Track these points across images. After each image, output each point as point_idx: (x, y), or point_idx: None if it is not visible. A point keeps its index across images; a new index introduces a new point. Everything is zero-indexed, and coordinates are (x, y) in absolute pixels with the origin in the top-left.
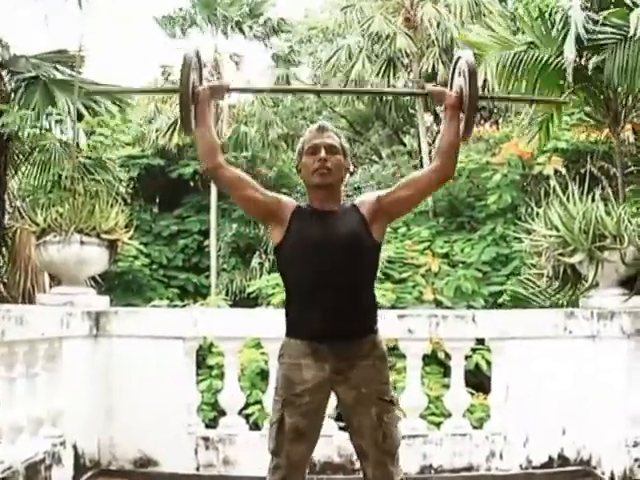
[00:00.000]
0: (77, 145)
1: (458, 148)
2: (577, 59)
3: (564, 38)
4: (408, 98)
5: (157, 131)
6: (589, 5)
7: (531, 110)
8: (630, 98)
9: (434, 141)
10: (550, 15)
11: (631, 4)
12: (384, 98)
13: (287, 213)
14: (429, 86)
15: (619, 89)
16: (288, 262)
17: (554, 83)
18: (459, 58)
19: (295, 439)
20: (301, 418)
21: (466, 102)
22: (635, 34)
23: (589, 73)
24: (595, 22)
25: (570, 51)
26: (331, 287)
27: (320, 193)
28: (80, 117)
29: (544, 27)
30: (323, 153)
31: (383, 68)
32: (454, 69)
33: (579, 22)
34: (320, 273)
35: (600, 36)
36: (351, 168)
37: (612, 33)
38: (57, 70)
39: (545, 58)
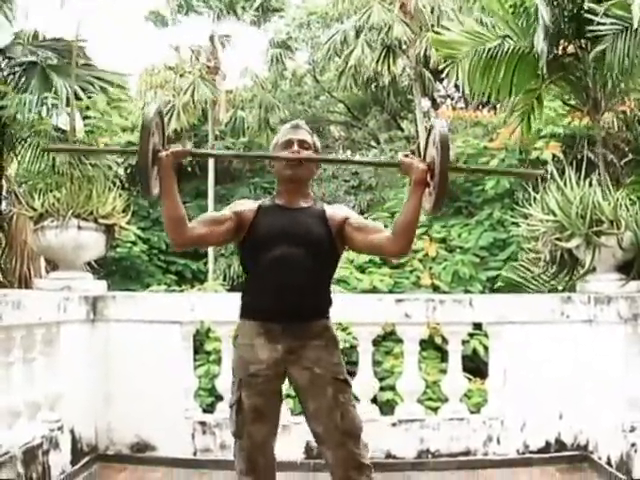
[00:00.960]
0: (73, 129)
1: (415, 227)
2: (554, 49)
3: (534, 30)
4: (406, 83)
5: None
6: None
7: (511, 101)
8: (609, 84)
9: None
10: (522, 8)
11: None
12: (381, 82)
13: (249, 216)
14: (400, 156)
15: (606, 77)
16: (249, 251)
17: (531, 73)
18: (432, 127)
19: (255, 419)
20: (258, 397)
21: (437, 176)
22: (638, 26)
23: (565, 61)
24: (595, 13)
25: (540, 44)
26: (288, 271)
27: (290, 186)
28: (78, 99)
29: (518, 20)
30: (296, 147)
31: (382, 55)
32: (427, 139)
33: (545, 14)
34: (277, 258)
35: (601, 27)
36: (320, 166)
37: (612, 24)
38: (54, 56)
39: (521, 50)
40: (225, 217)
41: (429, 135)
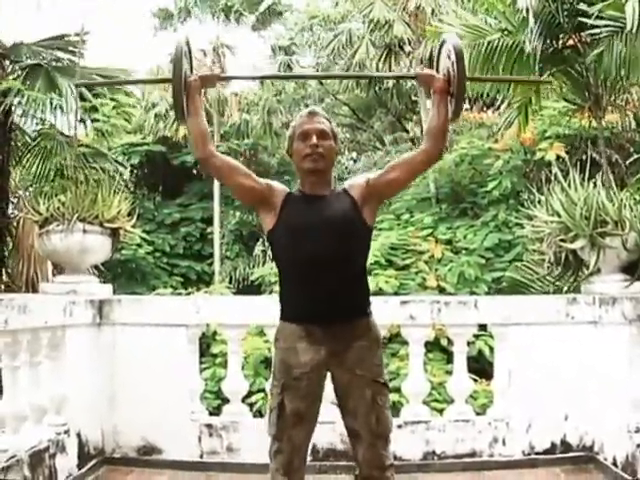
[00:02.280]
0: (77, 136)
1: (446, 130)
2: (553, 43)
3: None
4: (410, 85)
5: (157, 117)
6: None
7: (509, 94)
8: (610, 80)
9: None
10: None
11: None
12: (386, 85)
13: (278, 199)
14: (418, 70)
15: (605, 76)
16: (280, 247)
17: (530, 68)
18: (444, 42)
19: (296, 423)
20: (301, 402)
21: (454, 84)
22: (632, 27)
23: (565, 56)
24: (589, 15)
25: (530, 40)
26: (323, 270)
27: (312, 178)
28: (83, 101)
29: (515, 14)
30: (314, 139)
31: (384, 54)
32: (439, 53)
33: (531, 9)
34: (312, 256)
35: (596, 30)
36: (340, 150)
37: (606, 26)
38: (58, 57)
39: (520, 44)
40: (255, 178)
41: (440, 49)
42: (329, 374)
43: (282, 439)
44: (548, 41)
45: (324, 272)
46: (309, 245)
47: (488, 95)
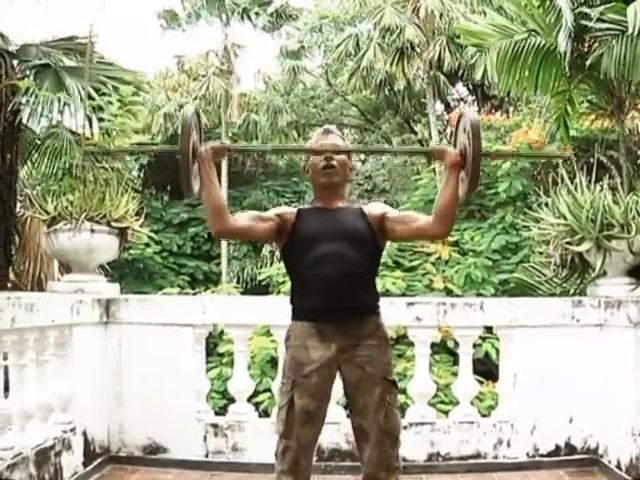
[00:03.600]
0: (86, 135)
1: (455, 209)
2: (579, 47)
3: (560, 28)
4: (419, 87)
5: (166, 118)
6: (583, 0)
7: (544, 102)
8: (633, 85)
9: (445, 129)
10: (550, 4)
11: None
12: (395, 86)
13: (290, 221)
14: (432, 144)
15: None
16: (293, 253)
17: (556, 71)
18: (462, 115)
19: (305, 421)
20: (311, 400)
21: (470, 159)
22: (634, 30)
23: (591, 61)
24: (590, 18)
25: (563, 43)
26: (333, 269)
27: (326, 192)
28: (91, 99)
29: (545, 15)
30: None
31: (396, 58)
32: (457, 127)
33: (568, 14)
34: (322, 256)
35: (598, 33)
36: (354, 167)
37: (608, 29)
38: (67, 57)
39: (546, 46)
40: (268, 216)
41: (458, 123)
42: (338, 374)
43: (290, 437)
44: (575, 44)
45: (334, 271)
46: (321, 244)
47: (508, 96)
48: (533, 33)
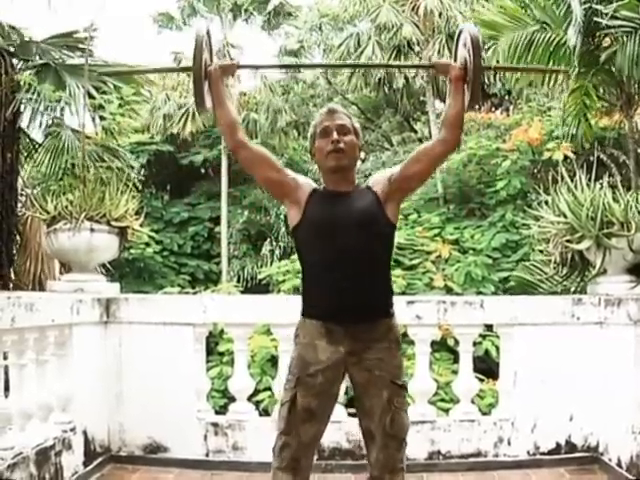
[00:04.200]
0: (87, 136)
1: (463, 118)
2: (590, 42)
3: (570, 21)
4: (419, 85)
5: (165, 117)
6: None
7: (561, 101)
8: None
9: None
10: None
11: None
12: (395, 85)
13: (303, 194)
14: (435, 59)
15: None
16: (304, 243)
17: (566, 65)
18: (462, 30)
19: (306, 419)
20: (313, 399)
21: (471, 72)
22: None
23: (601, 56)
24: (601, 15)
25: (573, 38)
26: (346, 268)
27: (335, 176)
28: (91, 98)
29: (555, 8)
30: (335, 135)
31: (393, 56)
32: (457, 41)
33: (578, 8)
34: (335, 254)
35: (610, 30)
36: (363, 146)
37: (621, 26)
38: (66, 54)
39: (557, 40)
40: (285, 172)
41: (458, 38)
42: (347, 376)
43: (290, 433)
44: (586, 39)
45: (347, 269)
46: (333, 242)
47: (509, 95)
48: (544, 26)
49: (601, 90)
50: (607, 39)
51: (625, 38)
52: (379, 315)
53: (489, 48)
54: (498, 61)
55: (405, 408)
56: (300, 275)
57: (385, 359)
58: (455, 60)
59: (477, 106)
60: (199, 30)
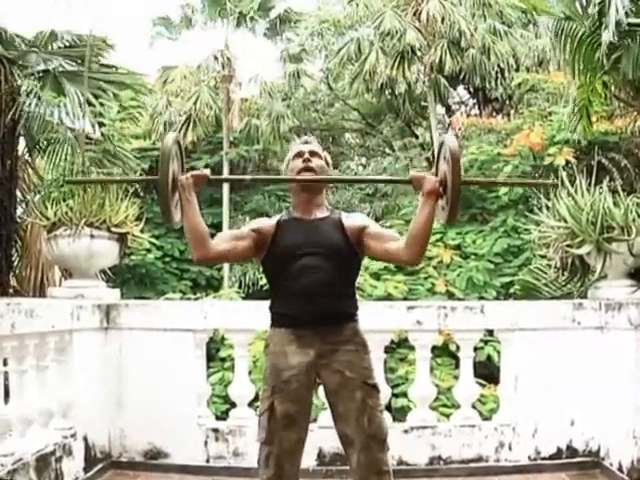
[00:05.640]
0: (87, 137)
1: (427, 237)
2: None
3: (599, 16)
4: (420, 90)
5: (166, 124)
6: None
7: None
8: None
9: (446, 132)
10: None
11: None
12: (396, 90)
13: (269, 235)
14: (412, 172)
15: None
16: (272, 265)
17: (589, 59)
18: (443, 143)
19: (287, 426)
20: (292, 405)
21: (450, 189)
22: None
23: (612, 60)
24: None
25: (607, 34)
26: (312, 278)
27: (304, 196)
28: (90, 105)
29: (579, 3)
30: (307, 155)
31: (397, 62)
32: (439, 154)
33: (620, 6)
34: (301, 269)
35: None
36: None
37: (627, 31)
38: (67, 63)
39: (580, 33)
40: (245, 234)
41: (440, 150)
42: (319, 379)
43: (273, 442)
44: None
45: (315, 280)
46: (300, 257)
47: (514, 106)
48: (568, 19)
49: (615, 90)
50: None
51: (630, 41)
52: (345, 319)
53: (495, 33)
54: (498, 55)
55: (380, 409)
56: (270, 292)
57: (354, 361)
58: (436, 174)
59: (453, 222)
60: (167, 140)
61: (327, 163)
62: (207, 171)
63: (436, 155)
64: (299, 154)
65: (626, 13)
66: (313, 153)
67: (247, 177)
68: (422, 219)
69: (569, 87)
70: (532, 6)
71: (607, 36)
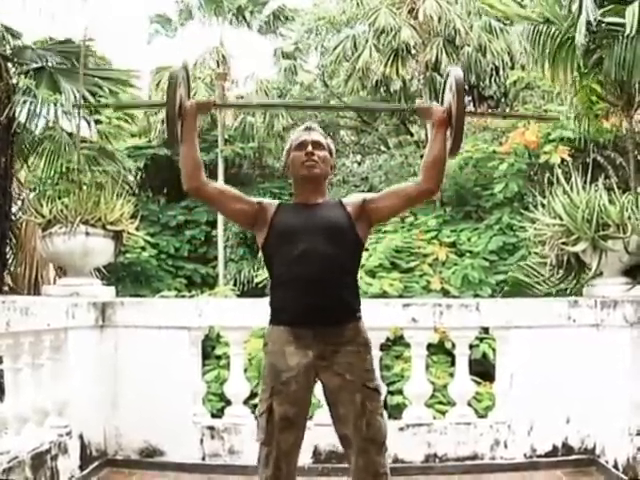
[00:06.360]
0: (83, 140)
1: (444, 164)
2: (591, 41)
3: (573, 20)
4: (416, 88)
5: (162, 122)
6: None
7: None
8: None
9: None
10: None
11: None
12: (392, 87)
13: (269, 213)
14: (417, 103)
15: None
16: (272, 254)
17: (570, 62)
18: (448, 74)
19: (285, 427)
20: (290, 407)
21: (454, 118)
22: (631, 31)
23: (594, 61)
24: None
25: (580, 36)
26: (313, 272)
27: (307, 186)
28: (87, 102)
29: (558, 5)
30: (310, 147)
31: (390, 59)
32: (444, 85)
33: (590, 7)
34: (302, 259)
35: (600, 35)
36: (335, 166)
37: (608, 30)
38: (62, 60)
39: (560, 36)
40: (247, 200)
41: (446, 82)
42: (319, 382)
43: (271, 443)
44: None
45: (314, 273)
46: (299, 241)
47: (510, 104)
48: (548, 21)
49: (603, 92)
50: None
51: (612, 42)
52: (347, 318)
53: (491, 31)
54: (494, 54)
55: (380, 412)
56: (269, 283)
57: (355, 363)
58: (442, 103)
59: (456, 154)
60: (175, 67)
61: (330, 152)
62: (212, 98)
63: (442, 86)
64: (301, 144)
65: (604, 14)
66: (316, 144)
67: (253, 103)
68: (438, 147)
69: (561, 87)
70: (503, 13)
71: (580, 37)
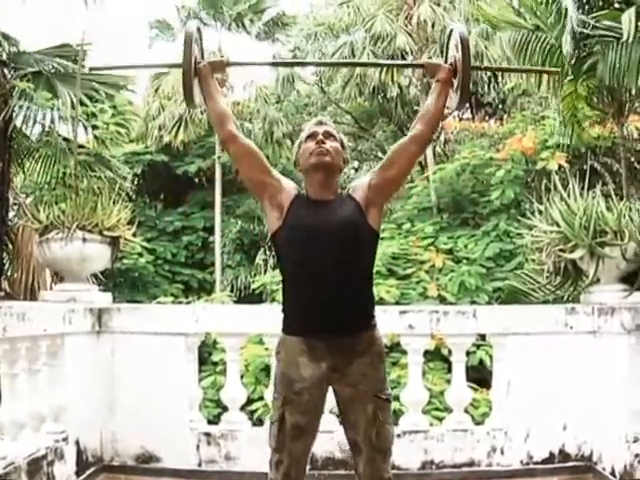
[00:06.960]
0: (80, 146)
1: (440, 118)
2: (580, 49)
3: (562, 28)
4: (413, 94)
5: (160, 128)
6: (578, 7)
7: (553, 106)
8: (634, 89)
9: (438, 137)
10: (554, 2)
11: (624, 5)
12: (389, 94)
13: (286, 198)
14: (425, 59)
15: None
16: (284, 253)
17: (560, 68)
18: (452, 31)
19: (296, 436)
20: (301, 416)
21: (460, 73)
22: (628, 36)
23: (587, 67)
24: (585, 25)
25: (567, 44)
26: (327, 281)
27: (317, 177)
28: (84, 106)
29: (548, 13)
30: (321, 136)
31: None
32: (448, 41)
33: (574, 17)
34: (316, 266)
35: (592, 40)
36: (348, 160)
37: (602, 35)
38: (59, 64)
39: (549, 43)
40: (269, 172)
41: (449, 39)
42: (330, 388)
43: (282, 451)
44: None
45: (328, 282)
46: (313, 254)
47: (503, 103)
48: (538, 28)
49: (594, 99)
50: (595, 47)
51: (605, 48)
52: (361, 327)
53: (487, 38)
54: (491, 61)
55: (390, 421)
56: (281, 288)
57: (368, 374)
58: (446, 61)
59: (462, 110)
60: (189, 27)
61: (342, 145)
62: (225, 57)
63: (445, 43)
64: (312, 135)
65: (598, 19)
66: (328, 134)
67: (267, 62)
68: (439, 102)
69: (548, 93)
70: (490, 20)
71: (567, 46)
